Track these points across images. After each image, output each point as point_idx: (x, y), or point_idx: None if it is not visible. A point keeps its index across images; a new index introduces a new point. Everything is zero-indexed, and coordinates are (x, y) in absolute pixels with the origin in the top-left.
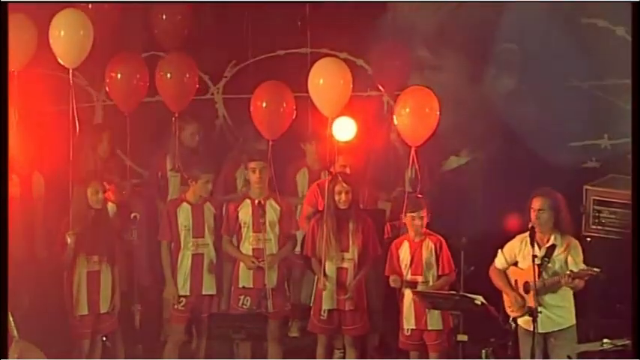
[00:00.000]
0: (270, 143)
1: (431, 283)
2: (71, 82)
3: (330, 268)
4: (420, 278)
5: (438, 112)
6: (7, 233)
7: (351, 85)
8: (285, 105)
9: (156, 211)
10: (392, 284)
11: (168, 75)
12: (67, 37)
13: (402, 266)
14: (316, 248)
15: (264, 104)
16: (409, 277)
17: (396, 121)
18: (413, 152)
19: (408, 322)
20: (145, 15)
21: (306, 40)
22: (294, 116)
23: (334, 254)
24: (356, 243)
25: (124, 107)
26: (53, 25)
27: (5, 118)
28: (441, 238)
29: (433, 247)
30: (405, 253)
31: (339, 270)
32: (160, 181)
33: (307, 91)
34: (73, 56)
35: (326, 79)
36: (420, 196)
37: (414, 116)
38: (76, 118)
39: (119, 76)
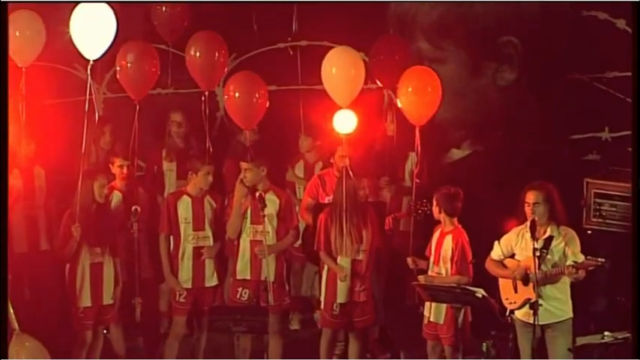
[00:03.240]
0: (252, 137)
1: (444, 276)
2: (89, 73)
3: (345, 261)
4: (436, 268)
5: (440, 91)
6: (6, 226)
7: (364, 75)
8: (257, 95)
9: (156, 204)
10: (409, 265)
11: (198, 54)
12: (89, 28)
13: (432, 251)
14: (331, 243)
15: (236, 94)
16: (431, 264)
17: (399, 102)
18: (417, 132)
19: (427, 311)
20: (145, 7)
21: (305, 34)
22: (267, 105)
23: (350, 247)
24: (368, 235)
25: (134, 95)
26: (75, 17)
27: (5, 113)
28: (464, 238)
29: (452, 243)
30: (434, 239)
31: (355, 262)
32: (156, 175)
33: (306, 84)
34: (94, 48)
35: (338, 68)
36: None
37: (416, 95)
38: (79, 110)
39: (129, 64)
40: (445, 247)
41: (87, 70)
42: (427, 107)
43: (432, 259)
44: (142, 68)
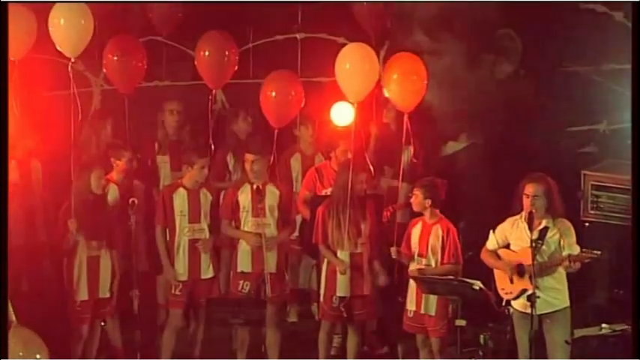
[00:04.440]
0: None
1: (433, 268)
2: (70, 71)
3: (343, 255)
4: (424, 260)
5: (426, 79)
6: (6, 220)
7: (378, 72)
8: (293, 94)
9: (151, 196)
10: (392, 255)
11: (207, 53)
12: (68, 26)
13: (413, 245)
14: (328, 236)
15: (273, 93)
16: (416, 257)
17: (385, 92)
18: (406, 118)
19: (410, 304)
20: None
21: (304, 27)
22: (302, 104)
23: (347, 241)
24: (367, 228)
25: (123, 89)
26: (53, 14)
27: (5, 109)
28: (451, 226)
29: (441, 233)
30: (416, 233)
31: (353, 255)
32: (150, 168)
33: (304, 76)
34: (74, 46)
35: (352, 64)
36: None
37: (402, 82)
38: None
39: (115, 58)
40: (433, 238)
41: (82, 62)
42: (413, 94)
43: (416, 252)
44: (129, 62)
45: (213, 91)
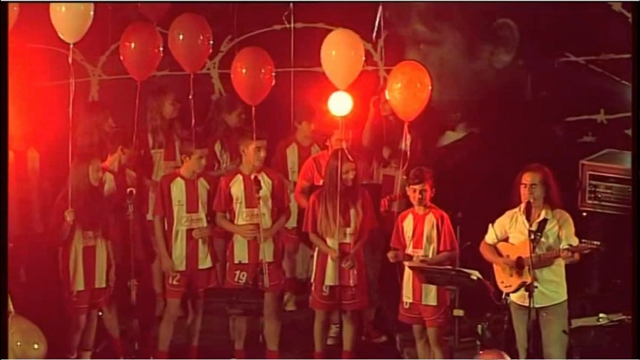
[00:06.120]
0: (254, 110)
1: (431, 258)
2: (70, 56)
3: (332, 243)
4: (420, 252)
5: (430, 87)
6: (7, 211)
7: (363, 57)
8: (263, 71)
9: (145, 186)
10: (390, 259)
11: (181, 37)
12: (69, 12)
13: (406, 239)
14: (317, 224)
15: (244, 70)
16: (411, 250)
17: (388, 96)
18: (406, 127)
19: (407, 296)
20: None
21: (301, 16)
22: (273, 82)
23: (336, 230)
24: (357, 218)
25: (138, 76)
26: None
27: (5, 103)
28: (444, 214)
29: (435, 221)
30: (408, 225)
31: (342, 245)
32: (144, 159)
33: (302, 66)
34: (74, 31)
35: (338, 51)
36: (424, 168)
37: (406, 91)
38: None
39: (133, 45)
40: (428, 227)
41: (80, 52)
42: (416, 103)
43: (411, 244)
44: (146, 49)
45: (192, 74)
